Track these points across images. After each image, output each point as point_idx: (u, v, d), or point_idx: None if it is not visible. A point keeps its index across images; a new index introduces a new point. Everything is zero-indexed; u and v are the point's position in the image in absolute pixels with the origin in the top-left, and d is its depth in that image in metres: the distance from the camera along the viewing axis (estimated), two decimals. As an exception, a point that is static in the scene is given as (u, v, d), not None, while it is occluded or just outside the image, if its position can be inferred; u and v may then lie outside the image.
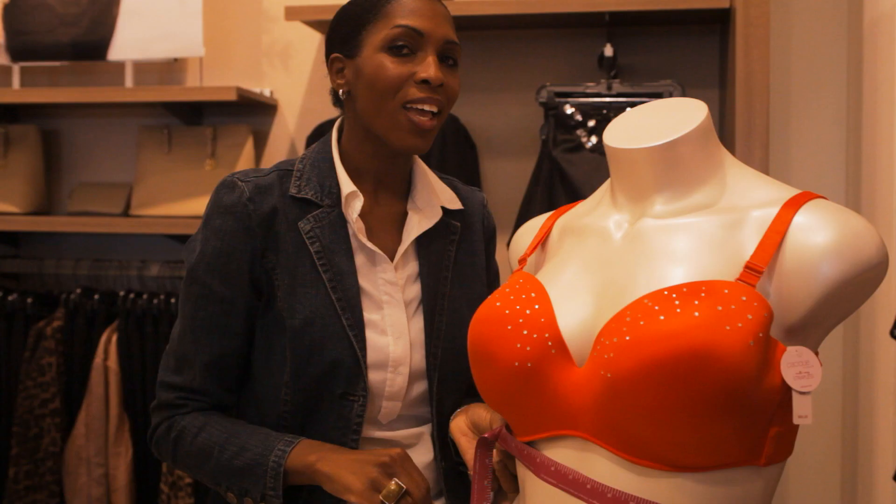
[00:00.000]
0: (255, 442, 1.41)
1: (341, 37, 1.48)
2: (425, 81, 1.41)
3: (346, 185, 1.47)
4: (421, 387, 1.50)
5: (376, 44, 1.43)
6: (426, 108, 1.42)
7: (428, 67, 1.41)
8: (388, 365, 1.46)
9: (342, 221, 1.47)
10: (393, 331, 1.47)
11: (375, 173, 1.51)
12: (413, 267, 1.52)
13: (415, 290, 1.52)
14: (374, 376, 1.45)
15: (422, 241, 1.53)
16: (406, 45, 1.42)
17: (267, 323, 1.47)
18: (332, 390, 1.44)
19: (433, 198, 1.54)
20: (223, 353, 1.47)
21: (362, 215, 1.48)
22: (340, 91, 1.49)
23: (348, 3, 1.50)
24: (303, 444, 1.40)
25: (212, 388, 1.48)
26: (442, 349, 1.50)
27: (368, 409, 1.46)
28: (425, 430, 1.51)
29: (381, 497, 1.29)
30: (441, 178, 1.61)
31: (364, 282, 1.47)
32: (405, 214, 1.53)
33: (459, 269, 1.57)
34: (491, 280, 1.65)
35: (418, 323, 1.50)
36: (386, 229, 1.52)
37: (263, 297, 1.46)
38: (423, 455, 1.51)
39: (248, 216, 1.45)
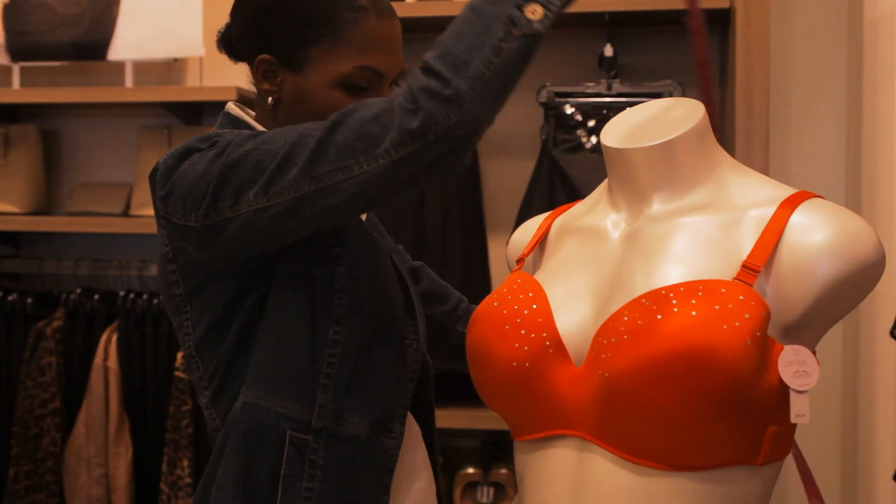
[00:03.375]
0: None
1: (278, 40, 1.33)
2: None
3: None
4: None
5: (330, 76, 1.31)
6: None
7: None
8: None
9: None
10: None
11: None
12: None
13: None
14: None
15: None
16: (363, 86, 1.33)
17: (301, 250, 1.31)
18: (389, 332, 1.35)
19: None
20: None
21: None
22: (269, 97, 1.37)
23: None
24: None
25: None
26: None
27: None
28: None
29: None
30: None
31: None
32: None
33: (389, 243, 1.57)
34: None
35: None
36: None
37: None
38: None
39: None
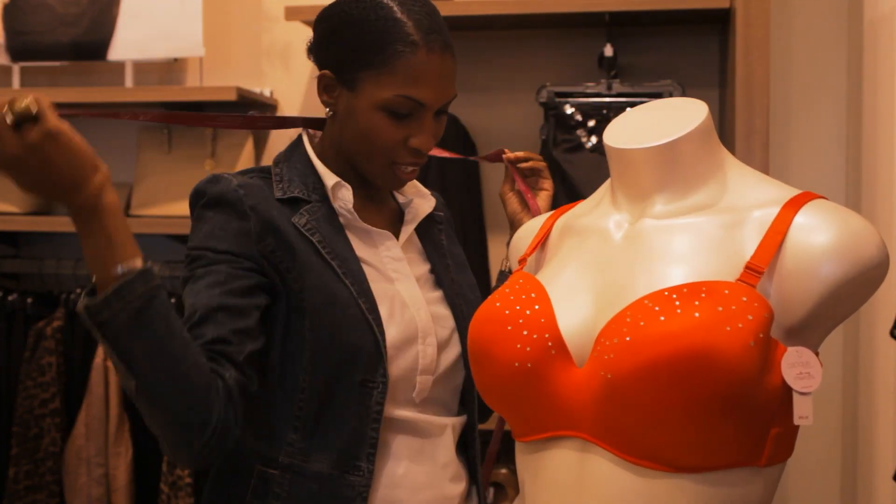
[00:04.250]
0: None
1: (337, 57, 1.44)
2: (417, 149, 1.43)
3: (330, 177, 1.47)
4: (451, 360, 1.50)
5: (375, 99, 1.40)
6: (410, 169, 1.45)
7: (422, 136, 1.42)
8: (418, 337, 1.45)
9: (334, 213, 1.47)
10: (413, 302, 1.47)
11: (357, 178, 1.50)
12: (417, 248, 1.55)
13: (423, 268, 1.54)
14: (408, 353, 1.44)
15: (421, 229, 1.56)
16: (405, 113, 1.41)
17: (281, 309, 1.40)
18: (351, 376, 1.40)
19: (419, 188, 1.58)
20: (224, 302, 1.33)
21: (360, 212, 1.49)
22: (326, 108, 1.49)
23: (351, 21, 1.42)
24: None
25: (209, 330, 1.31)
26: (465, 329, 1.49)
27: (403, 389, 1.44)
28: (450, 422, 1.50)
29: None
30: None
31: (372, 259, 1.47)
32: (395, 209, 1.56)
33: (453, 257, 1.60)
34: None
35: (435, 294, 1.52)
36: (380, 223, 1.53)
37: (269, 279, 1.39)
38: (444, 448, 1.48)
39: (240, 200, 1.40)
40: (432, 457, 1.47)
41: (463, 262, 1.64)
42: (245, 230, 1.39)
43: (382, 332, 1.41)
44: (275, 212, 1.42)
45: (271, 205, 1.43)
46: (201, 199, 1.44)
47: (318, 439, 1.40)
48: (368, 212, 1.52)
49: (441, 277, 1.55)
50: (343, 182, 1.47)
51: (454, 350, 1.51)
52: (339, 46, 1.44)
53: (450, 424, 1.50)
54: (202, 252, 1.39)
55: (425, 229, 1.57)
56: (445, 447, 1.48)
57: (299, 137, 1.54)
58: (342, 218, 1.47)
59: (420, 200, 1.56)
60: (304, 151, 1.50)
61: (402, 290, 1.47)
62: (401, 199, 1.57)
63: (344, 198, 1.46)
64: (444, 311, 1.52)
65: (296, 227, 1.42)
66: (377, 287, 1.44)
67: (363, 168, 1.46)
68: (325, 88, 1.46)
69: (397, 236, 1.53)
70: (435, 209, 1.59)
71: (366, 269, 1.45)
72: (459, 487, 1.49)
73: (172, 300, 2.83)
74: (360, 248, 1.47)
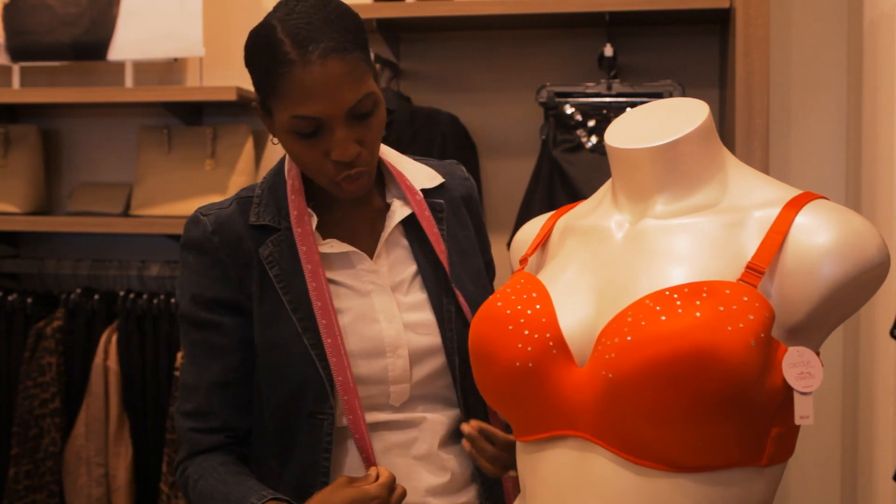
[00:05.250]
0: (237, 493, 1.41)
1: (256, 85, 1.42)
2: (341, 161, 1.38)
3: (295, 207, 1.47)
4: (433, 366, 1.49)
5: (281, 125, 1.39)
6: (348, 179, 1.40)
7: (338, 147, 1.37)
8: (386, 350, 1.46)
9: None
10: (384, 315, 1.47)
11: None
12: (402, 249, 1.53)
13: (408, 271, 1.52)
14: (375, 365, 1.45)
15: (410, 226, 1.53)
16: (309, 130, 1.37)
17: (254, 346, 1.49)
18: (300, 410, 1.45)
19: (410, 182, 1.55)
20: (223, 373, 1.48)
21: (339, 221, 1.50)
22: (270, 137, 1.48)
23: (250, 50, 1.41)
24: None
25: (219, 409, 1.48)
26: (457, 331, 1.50)
27: (378, 396, 1.46)
28: (431, 417, 1.50)
29: None
30: (415, 160, 1.61)
31: (346, 279, 1.48)
32: (381, 208, 1.54)
33: (456, 245, 1.56)
34: (485, 247, 1.66)
35: (418, 298, 1.51)
36: (368, 228, 1.52)
37: (248, 320, 1.48)
38: (422, 441, 1.49)
39: (215, 248, 1.47)
40: (407, 450, 1.48)
41: (468, 246, 1.59)
42: (226, 277, 1.48)
43: (327, 367, 1.43)
44: (249, 242, 1.47)
45: (244, 237, 1.48)
46: (182, 239, 1.52)
47: (286, 467, 1.48)
48: (354, 218, 1.52)
49: (428, 278, 1.52)
50: (306, 213, 1.46)
51: (436, 355, 1.50)
52: (252, 77, 1.42)
53: (429, 419, 1.50)
54: (193, 312, 1.49)
55: (416, 223, 1.54)
56: (424, 440, 1.49)
57: (286, 156, 1.53)
58: (305, 247, 1.46)
59: (398, 203, 1.52)
60: (284, 173, 1.51)
61: (376, 303, 1.47)
62: (388, 197, 1.55)
63: (304, 231, 1.46)
64: (426, 317, 1.50)
65: (259, 258, 1.47)
66: (345, 304, 1.46)
67: (317, 182, 1.46)
68: (260, 117, 1.46)
69: (380, 233, 1.52)
70: (435, 197, 1.56)
71: (336, 289, 1.47)
72: (440, 479, 1.49)
73: (172, 301, 2.83)
74: (333, 266, 1.48)
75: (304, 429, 1.45)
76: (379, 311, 1.47)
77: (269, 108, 1.41)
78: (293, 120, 1.36)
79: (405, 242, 1.53)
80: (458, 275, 1.54)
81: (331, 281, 1.47)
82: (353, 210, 1.52)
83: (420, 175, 1.57)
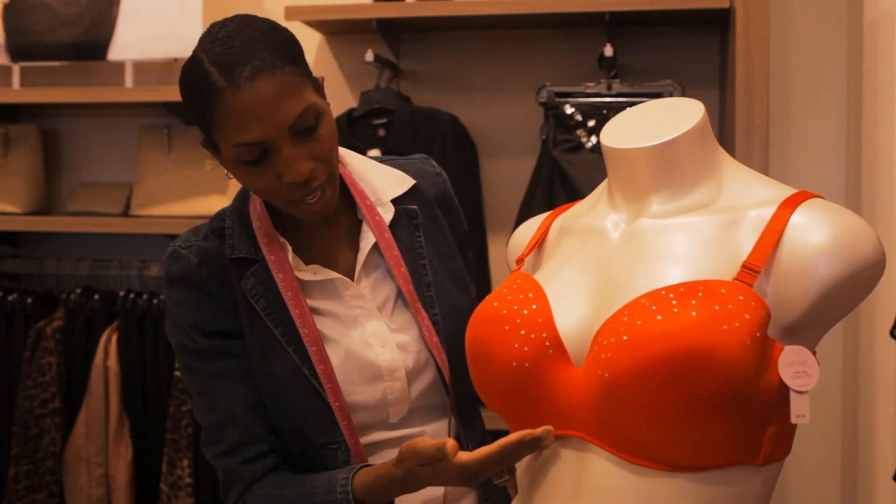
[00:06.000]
0: (321, 483, 1.37)
1: (196, 122, 1.37)
2: (295, 183, 1.32)
3: (266, 240, 1.43)
4: (425, 381, 1.48)
5: (229, 154, 1.33)
6: (308, 199, 1.35)
7: (288, 168, 1.31)
8: (383, 375, 1.44)
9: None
10: (376, 340, 1.44)
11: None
12: (380, 270, 1.49)
13: (390, 288, 1.48)
14: (374, 390, 1.43)
15: (383, 237, 1.49)
16: (254, 157, 1.31)
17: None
18: (309, 445, 1.42)
19: (379, 195, 1.50)
20: (252, 395, 1.43)
21: (313, 244, 1.47)
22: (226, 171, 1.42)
23: (183, 87, 1.35)
24: (365, 469, 1.36)
25: (262, 432, 1.42)
26: (445, 341, 1.47)
27: (378, 416, 1.45)
28: (429, 429, 1.49)
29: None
30: (381, 162, 1.56)
31: (332, 306, 1.45)
32: (352, 225, 1.49)
33: (434, 249, 1.53)
34: (464, 241, 1.62)
35: (403, 318, 1.48)
36: (343, 247, 1.49)
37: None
38: None
39: (204, 281, 1.44)
40: None
41: (444, 249, 1.54)
42: (220, 307, 1.44)
43: (328, 392, 1.40)
44: (231, 274, 1.44)
45: (228, 268, 1.44)
46: (166, 276, 1.47)
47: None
48: (329, 239, 1.48)
49: (416, 294, 1.48)
50: (276, 241, 1.43)
51: (428, 370, 1.48)
52: (190, 113, 1.38)
53: (427, 432, 1.48)
54: (197, 344, 1.44)
55: (393, 235, 1.49)
56: None
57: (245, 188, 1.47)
58: (282, 275, 1.43)
59: (368, 224, 1.48)
60: (247, 205, 1.46)
61: (367, 328, 1.45)
62: (360, 215, 1.49)
63: (287, 259, 1.43)
64: (414, 334, 1.47)
65: (243, 292, 1.43)
66: (336, 334, 1.44)
67: (278, 207, 1.41)
68: (211, 153, 1.41)
69: (356, 251, 1.48)
70: (408, 202, 1.52)
71: (322, 321, 1.44)
72: (438, 491, 1.48)
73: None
74: (318, 294, 1.45)
75: (317, 461, 1.43)
76: (371, 335, 1.44)
77: (214, 143, 1.36)
78: (236, 149, 1.31)
79: (381, 260, 1.49)
80: (441, 280, 1.51)
81: (318, 309, 1.44)
82: (325, 229, 1.48)
83: (390, 181, 1.52)
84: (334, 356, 1.43)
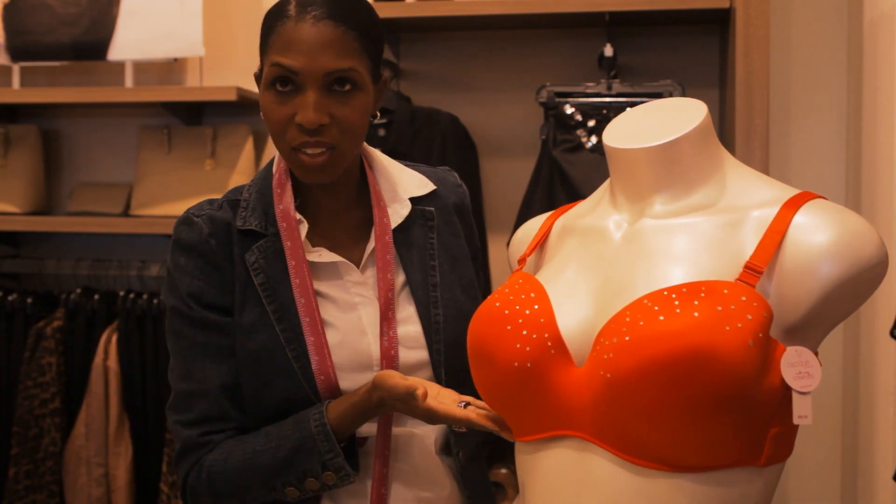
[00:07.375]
0: (289, 427, 1.38)
1: (260, 49, 1.43)
2: (302, 125, 1.35)
3: (285, 215, 1.44)
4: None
5: (267, 75, 1.38)
6: (309, 150, 1.37)
7: (304, 109, 1.35)
8: (374, 365, 1.43)
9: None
10: (372, 329, 1.44)
11: (322, 188, 1.47)
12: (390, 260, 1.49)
13: (397, 280, 1.49)
14: (362, 378, 1.42)
15: (399, 235, 1.50)
16: (284, 84, 1.37)
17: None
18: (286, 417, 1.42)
19: (398, 191, 1.51)
20: (230, 374, 1.43)
21: (324, 229, 1.47)
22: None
23: (266, 14, 1.43)
24: (335, 401, 1.39)
25: (231, 412, 1.43)
26: (444, 343, 1.47)
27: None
28: (420, 432, 1.48)
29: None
30: (407, 166, 1.58)
31: (333, 290, 1.45)
32: (365, 218, 1.50)
33: (446, 254, 1.53)
34: (475, 254, 1.62)
35: (406, 312, 1.48)
36: (353, 237, 1.49)
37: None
38: (416, 454, 1.47)
39: (213, 252, 1.44)
40: (396, 463, 1.46)
41: (458, 255, 1.56)
42: (224, 281, 1.44)
43: (311, 379, 1.41)
44: (237, 248, 1.45)
45: (234, 241, 1.45)
46: (174, 240, 1.47)
47: None
48: (341, 226, 1.49)
49: (416, 287, 1.49)
50: (294, 220, 1.44)
51: (424, 369, 1.47)
52: (261, 41, 1.44)
53: (419, 435, 1.47)
54: (191, 312, 1.44)
55: (406, 232, 1.51)
56: (419, 452, 1.47)
57: (276, 156, 1.50)
58: (294, 262, 1.43)
59: (384, 212, 1.49)
60: (272, 176, 1.48)
61: (363, 316, 1.45)
62: (374, 206, 1.50)
63: (293, 245, 1.43)
64: (415, 330, 1.47)
65: (245, 265, 1.44)
66: (332, 318, 1.44)
67: (284, 159, 1.45)
68: (257, 85, 1.45)
69: (366, 243, 1.49)
70: (426, 204, 1.53)
71: (324, 302, 1.44)
72: (437, 491, 1.48)
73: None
74: (321, 276, 1.45)
75: None
76: (367, 324, 1.44)
77: (262, 67, 1.41)
78: (274, 68, 1.36)
79: (393, 250, 1.49)
80: (449, 283, 1.51)
81: (319, 292, 1.44)
82: (339, 219, 1.49)
83: (411, 182, 1.54)
84: (328, 339, 1.43)
